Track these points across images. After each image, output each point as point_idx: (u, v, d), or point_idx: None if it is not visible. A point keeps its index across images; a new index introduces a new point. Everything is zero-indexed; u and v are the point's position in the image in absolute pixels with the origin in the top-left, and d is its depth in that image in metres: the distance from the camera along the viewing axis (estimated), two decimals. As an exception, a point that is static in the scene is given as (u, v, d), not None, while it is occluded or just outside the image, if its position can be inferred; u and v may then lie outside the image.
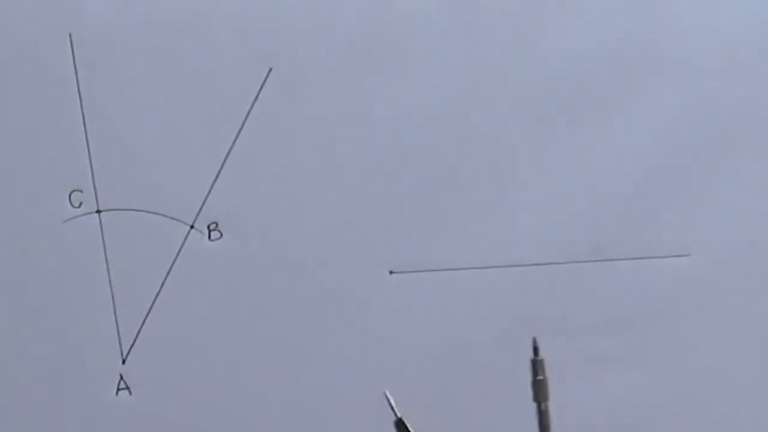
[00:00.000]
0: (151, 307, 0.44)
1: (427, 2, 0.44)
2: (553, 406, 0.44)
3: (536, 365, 0.43)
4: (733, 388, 0.45)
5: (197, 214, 0.44)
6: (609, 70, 0.45)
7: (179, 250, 0.44)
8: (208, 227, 0.44)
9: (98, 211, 0.44)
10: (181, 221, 0.44)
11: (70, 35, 0.44)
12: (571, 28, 0.45)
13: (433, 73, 0.44)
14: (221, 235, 0.44)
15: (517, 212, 0.45)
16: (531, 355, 0.43)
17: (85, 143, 0.44)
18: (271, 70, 0.44)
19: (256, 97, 0.44)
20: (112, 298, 0.44)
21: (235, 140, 0.44)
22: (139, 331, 0.44)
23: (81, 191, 0.44)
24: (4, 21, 0.44)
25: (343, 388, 0.44)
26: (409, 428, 0.43)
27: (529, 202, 0.45)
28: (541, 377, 0.43)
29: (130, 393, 0.44)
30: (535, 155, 0.45)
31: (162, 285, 0.44)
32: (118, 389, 0.44)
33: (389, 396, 0.43)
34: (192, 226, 0.44)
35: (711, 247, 0.45)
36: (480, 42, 0.45)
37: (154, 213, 0.44)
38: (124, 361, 0.44)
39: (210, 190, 0.44)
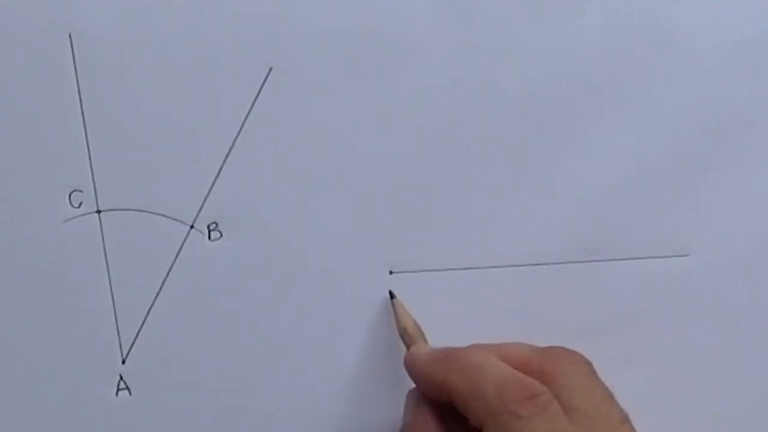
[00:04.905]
0: (151, 307, 0.44)
1: (427, 2, 0.44)
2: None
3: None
4: (733, 389, 0.45)
5: (197, 214, 0.44)
6: (609, 70, 0.45)
7: (179, 250, 0.44)
8: (208, 227, 0.44)
9: (98, 211, 0.44)
10: (181, 221, 0.44)
11: (70, 35, 0.44)
12: (571, 28, 0.45)
13: (432, 73, 0.45)
14: (221, 235, 0.44)
15: (517, 212, 0.45)
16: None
17: (85, 143, 0.44)
18: (271, 70, 0.44)
19: (256, 97, 0.44)
20: (112, 298, 0.44)
21: (235, 140, 0.44)
22: (139, 331, 0.44)
23: (81, 191, 0.44)
24: (4, 21, 0.44)
25: (343, 388, 0.44)
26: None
27: (528, 202, 0.45)
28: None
29: (130, 393, 0.44)
30: (534, 155, 0.45)
31: (162, 285, 0.44)
32: (118, 389, 0.44)
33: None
34: (192, 226, 0.44)
35: (711, 247, 0.45)
36: (480, 42, 0.45)
37: (154, 213, 0.44)
38: (124, 361, 0.44)
39: (210, 190, 0.44)
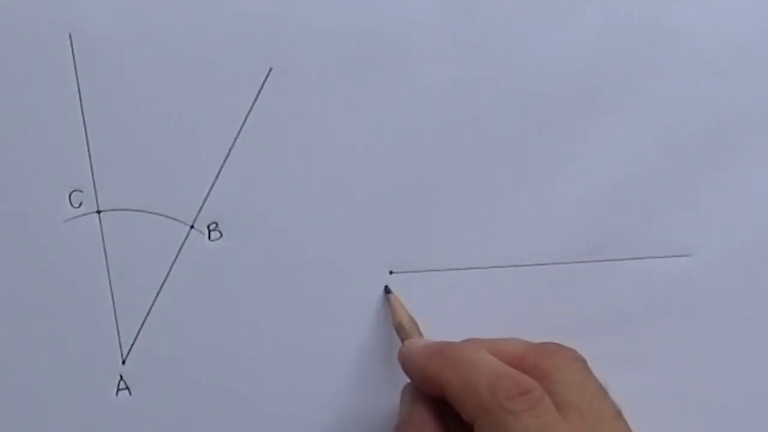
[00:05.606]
0: (151, 307, 0.44)
1: (427, 2, 0.44)
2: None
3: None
4: (733, 389, 0.45)
5: (197, 214, 0.44)
6: (609, 70, 0.45)
7: (179, 250, 0.44)
8: (208, 227, 0.44)
9: (98, 211, 0.44)
10: (181, 221, 0.44)
11: (70, 35, 0.44)
12: (571, 28, 0.45)
13: (433, 73, 0.45)
14: (221, 235, 0.44)
15: (517, 212, 0.45)
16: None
17: (85, 143, 0.44)
18: (271, 70, 0.44)
19: (256, 97, 0.44)
20: (112, 298, 0.44)
21: (235, 140, 0.44)
22: (139, 331, 0.44)
23: (81, 191, 0.44)
24: (4, 21, 0.44)
25: (343, 389, 0.44)
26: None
27: (529, 202, 0.45)
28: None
29: (130, 393, 0.44)
30: (534, 155, 0.45)
31: (162, 285, 0.44)
32: (118, 389, 0.44)
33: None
34: (192, 226, 0.44)
35: (711, 247, 0.45)
36: (480, 42, 0.45)
37: (154, 213, 0.44)
38: (124, 361, 0.44)
39: (210, 190, 0.44)
